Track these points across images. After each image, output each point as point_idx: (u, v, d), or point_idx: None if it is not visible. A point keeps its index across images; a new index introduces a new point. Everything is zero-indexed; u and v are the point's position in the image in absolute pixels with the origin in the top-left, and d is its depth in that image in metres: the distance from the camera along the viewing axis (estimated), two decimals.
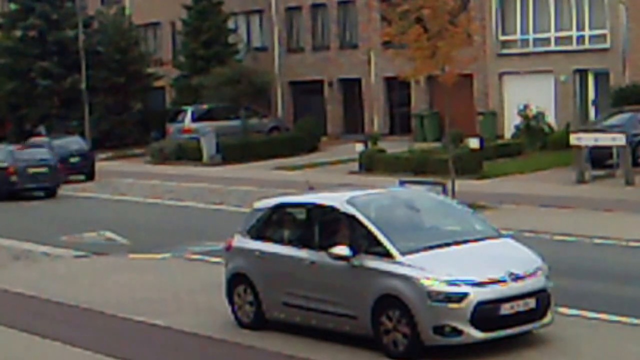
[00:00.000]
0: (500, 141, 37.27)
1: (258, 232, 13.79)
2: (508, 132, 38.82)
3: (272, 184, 30.77)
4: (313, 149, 42.18)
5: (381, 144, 36.91)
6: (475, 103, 40.70)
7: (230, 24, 48.64)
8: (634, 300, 14.26)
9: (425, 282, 11.58)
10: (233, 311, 13.94)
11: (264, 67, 46.56)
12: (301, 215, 13.48)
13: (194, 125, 43.07)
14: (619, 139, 27.46)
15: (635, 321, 13.10)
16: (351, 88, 45.95)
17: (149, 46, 53.81)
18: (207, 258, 19.41)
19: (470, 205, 16.83)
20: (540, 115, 36.26)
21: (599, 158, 28.86)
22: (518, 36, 39.76)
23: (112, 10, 52.19)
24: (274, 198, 14.64)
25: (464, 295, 11.49)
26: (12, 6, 52.86)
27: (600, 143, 27.97)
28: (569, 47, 37.96)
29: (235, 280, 13.86)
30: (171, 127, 45.07)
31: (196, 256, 19.88)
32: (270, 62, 48.29)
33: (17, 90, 50.18)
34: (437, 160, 30.74)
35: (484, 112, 39.95)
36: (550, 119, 37.05)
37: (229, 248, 14.25)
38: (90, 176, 37.85)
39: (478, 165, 31.04)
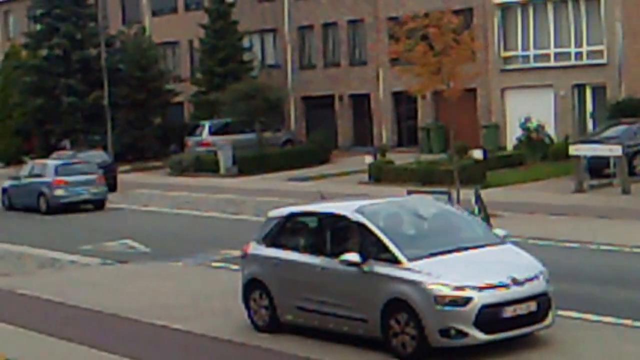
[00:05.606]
0: (502, 152, 37.68)
1: (272, 239, 14.10)
2: (510, 144, 39.13)
3: (285, 194, 31.12)
4: (325, 160, 42.66)
5: (389, 156, 37.41)
6: (479, 116, 41.05)
7: (245, 43, 49.17)
8: (634, 303, 14.58)
9: (432, 287, 11.86)
10: (249, 315, 14.24)
11: (278, 83, 47.00)
12: (313, 223, 13.76)
13: (212, 139, 43.76)
14: (616, 150, 27.85)
15: (636, 323, 13.35)
16: (361, 103, 46.34)
17: (168, 64, 54.23)
18: (224, 265, 19.86)
19: (473, 213, 17.43)
20: (540, 128, 36.59)
21: (597, 168, 29.34)
22: (519, 52, 40.05)
23: (133, 30, 52.76)
24: (288, 207, 14.84)
25: (469, 299, 11.78)
26: (38, 26, 53.55)
27: (598, 154, 28.40)
28: (567, 63, 38.23)
29: (251, 286, 14.17)
30: (190, 141, 45.64)
31: (214, 264, 20.31)
32: (284, 79, 48.75)
33: (43, 107, 50.89)
34: (443, 170, 31.26)
35: (487, 124, 40.32)
36: (550, 131, 37.36)
37: (244, 255, 14.55)
38: (112, 188, 38.10)
39: (482, 176, 31.39)
